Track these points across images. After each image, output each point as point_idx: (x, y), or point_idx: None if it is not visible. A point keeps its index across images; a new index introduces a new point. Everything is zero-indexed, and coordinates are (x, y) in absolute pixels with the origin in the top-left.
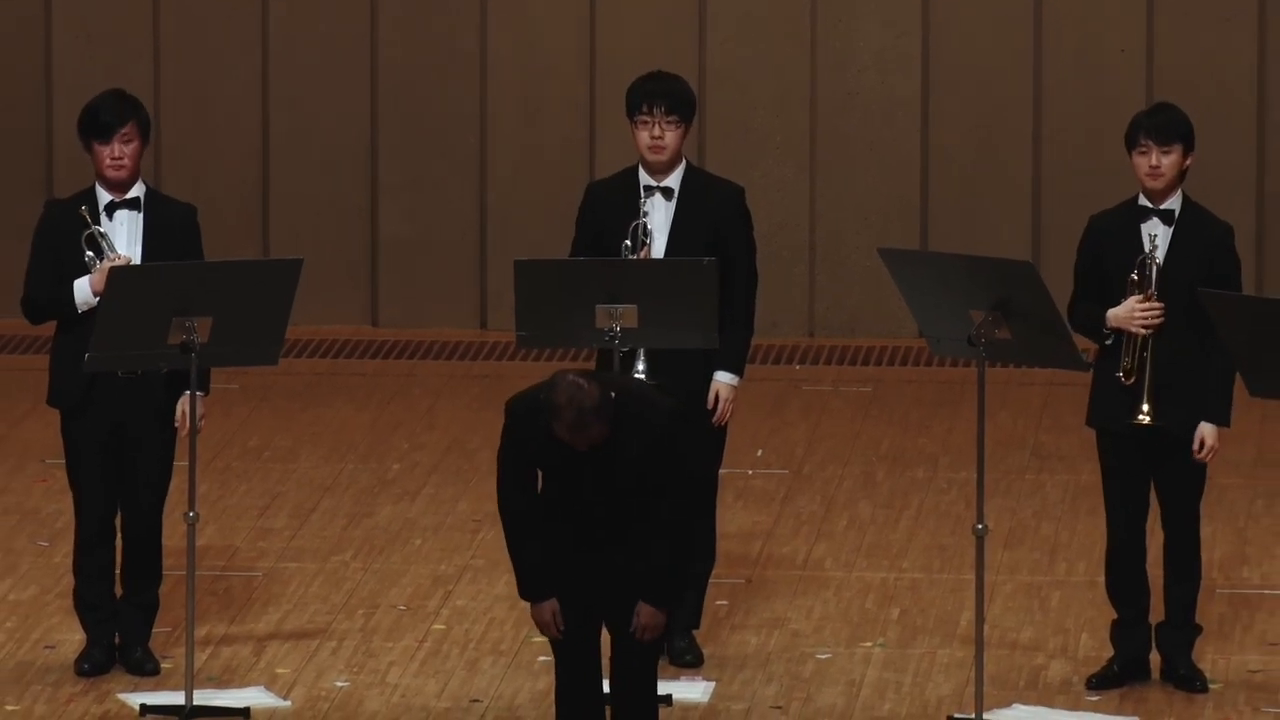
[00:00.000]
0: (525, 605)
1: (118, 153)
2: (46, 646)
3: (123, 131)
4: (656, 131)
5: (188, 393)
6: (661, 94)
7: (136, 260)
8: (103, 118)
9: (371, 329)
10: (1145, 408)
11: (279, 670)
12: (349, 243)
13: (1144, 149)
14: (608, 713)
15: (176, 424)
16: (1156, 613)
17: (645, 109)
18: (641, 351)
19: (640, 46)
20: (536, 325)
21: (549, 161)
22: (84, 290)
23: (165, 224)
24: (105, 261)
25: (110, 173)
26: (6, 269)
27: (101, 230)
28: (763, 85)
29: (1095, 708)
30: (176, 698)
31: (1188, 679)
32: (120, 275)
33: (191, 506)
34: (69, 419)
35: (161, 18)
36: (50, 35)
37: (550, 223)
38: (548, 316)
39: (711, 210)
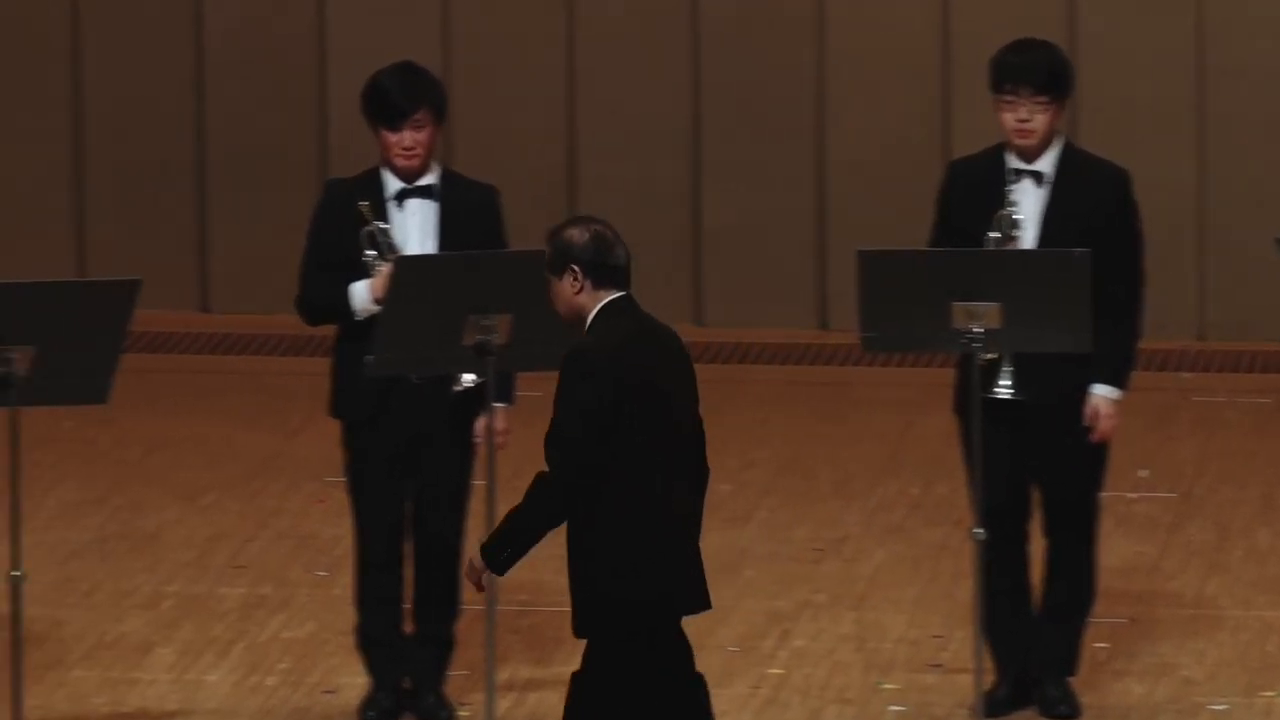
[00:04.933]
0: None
1: (409, 141)
2: (326, 691)
3: (415, 118)
4: (1023, 114)
5: (499, 406)
6: (1028, 69)
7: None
8: (393, 100)
9: (696, 328)
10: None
11: None
12: (669, 233)
13: None
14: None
15: (475, 438)
16: None
17: (1009, 88)
18: (1007, 356)
19: (1001, 4)
20: (884, 325)
21: (896, 140)
22: (363, 296)
23: (463, 211)
24: (388, 264)
25: (400, 162)
26: (279, 260)
27: (384, 226)
28: (1140, 55)
29: None
30: None
31: None
32: (407, 266)
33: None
34: (354, 431)
35: None
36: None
37: (899, 209)
38: (897, 315)
39: (1090, 197)
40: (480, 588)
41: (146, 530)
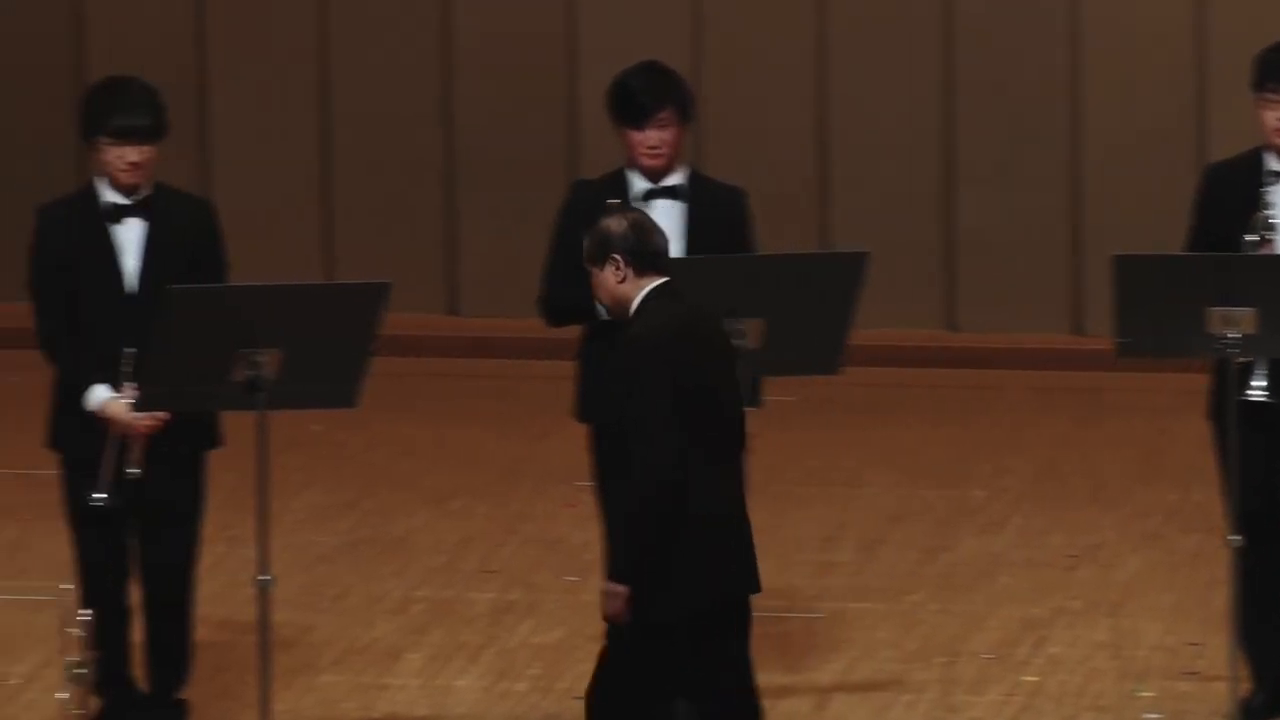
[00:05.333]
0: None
1: (654, 140)
2: (575, 697)
3: (659, 116)
4: None
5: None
6: None
7: (675, 255)
8: (638, 100)
9: (948, 334)
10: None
11: None
12: (920, 237)
13: None
14: None
15: None
16: None
17: (1272, 86)
18: (1263, 363)
19: (1259, 2)
20: (1139, 330)
21: (1151, 140)
22: None
23: (711, 212)
24: None
25: (645, 160)
26: (529, 262)
27: None
28: None
29: None
30: None
31: None
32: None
33: None
34: (599, 435)
35: None
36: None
37: (1153, 211)
38: (1152, 320)
39: None
40: (622, 619)
41: (395, 535)
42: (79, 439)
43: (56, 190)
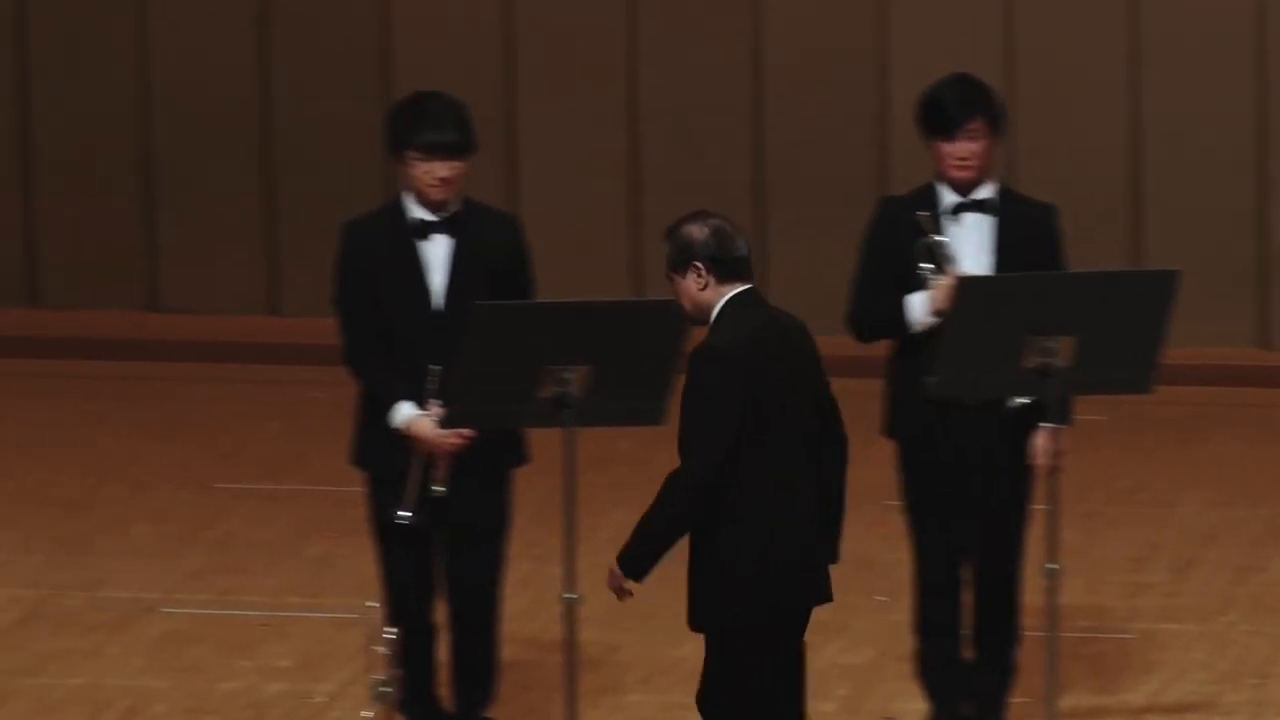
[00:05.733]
0: None
1: (964, 152)
2: (886, 718)
3: (970, 127)
4: None
5: (1044, 425)
6: None
7: (984, 271)
8: (946, 112)
9: (1261, 352)
10: None
11: None
12: (1234, 254)
13: None
14: None
15: (1033, 460)
16: None
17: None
18: None
19: None
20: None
21: None
22: (919, 308)
23: (1021, 227)
24: (946, 275)
25: (954, 172)
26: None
27: (942, 239)
28: None
29: None
30: None
31: None
32: (969, 288)
33: (1052, 558)
34: (909, 453)
35: None
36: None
37: None
38: None
39: None
40: (622, 595)
41: None
42: (385, 457)
43: (362, 206)
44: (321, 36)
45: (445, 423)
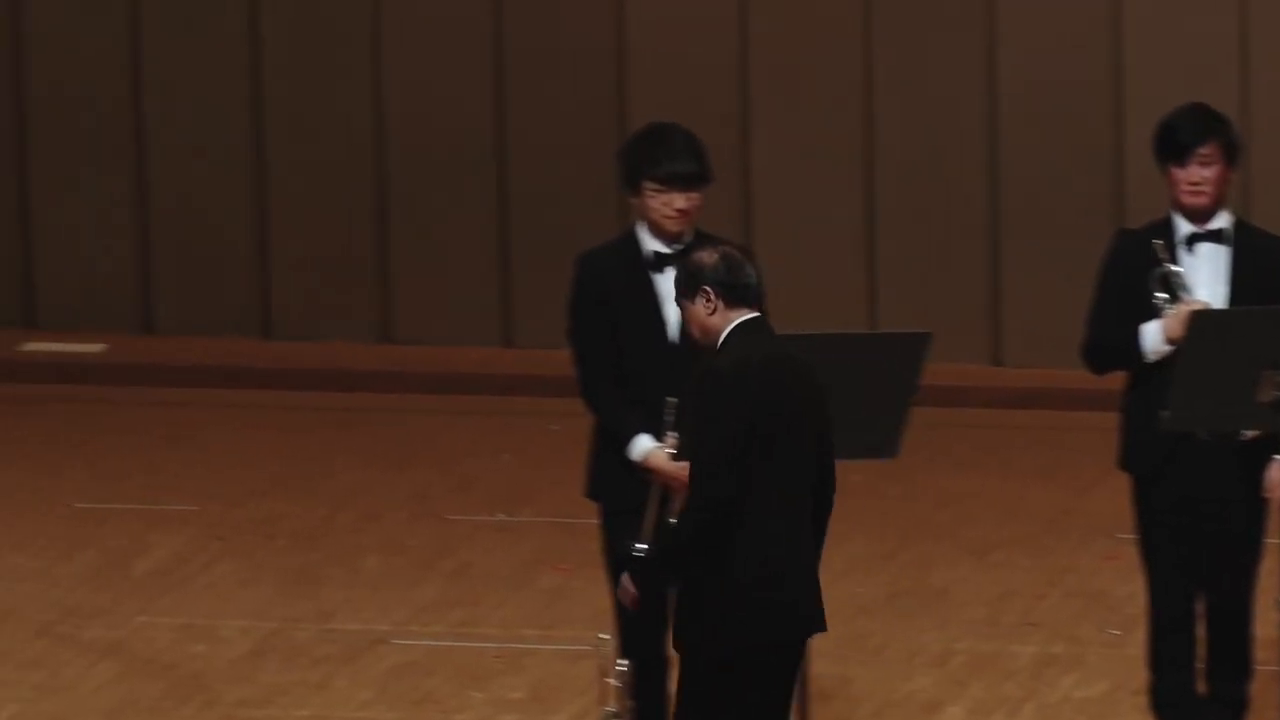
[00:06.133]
0: None
1: (1196, 177)
2: None
3: (1201, 153)
4: None
5: (1277, 458)
6: None
7: (1218, 302)
8: (1179, 137)
9: None
10: None
11: None
12: None
13: None
14: None
15: (1268, 493)
16: None
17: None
18: None
19: None
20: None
21: None
22: (1154, 337)
23: (1257, 260)
24: (1181, 305)
25: (1187, 198)
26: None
27: (1177, 268)
28: None
29: None
30: None
31: None
32: (1204, 321)
33: None
34: (1143, 486)
35: None
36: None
37: None
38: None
39: None
40: (636, 606)
41: (936, 586)
42: (619, 489)
43: (595, 239)
44: (557, 70)
45: (681, 455)
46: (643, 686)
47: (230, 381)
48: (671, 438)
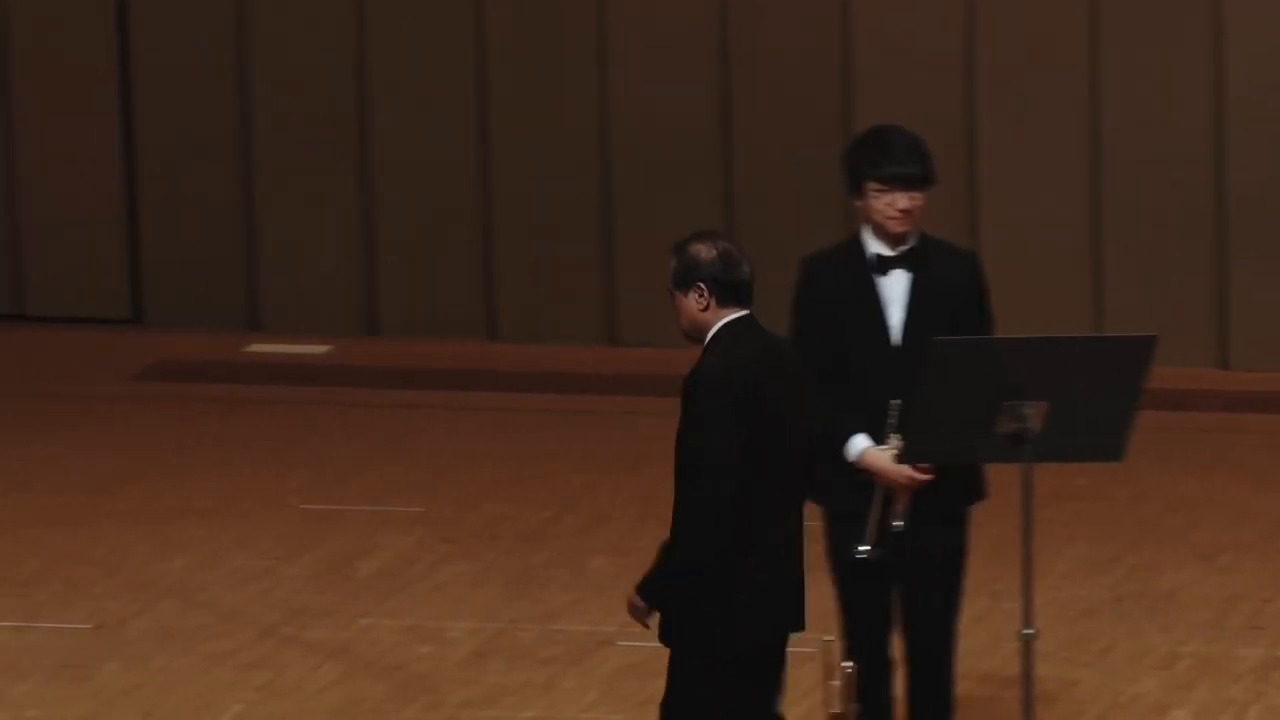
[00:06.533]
0: None
1: None
2: None
3: None
4: None
5: None
6: None
7: None
8: None
9: None
10: None
11: None
12: None
13: None
14: None
15: None
16: None
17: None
18: None
19: None
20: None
21: None
22: None
23: None
24: None
25: None
26: None
27: None
28: None
29: None
30: None
31: None
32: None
33: None
34: None
35: None
36: None
37: None
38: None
39: None
40: (647, 625)
41: (1162, 589)
42: (840, 491)
43: (820, 242)
44: (781, 72)
45: (905, 457)
46: (868, 688)
47: (455, 384)
48: (894, 440)
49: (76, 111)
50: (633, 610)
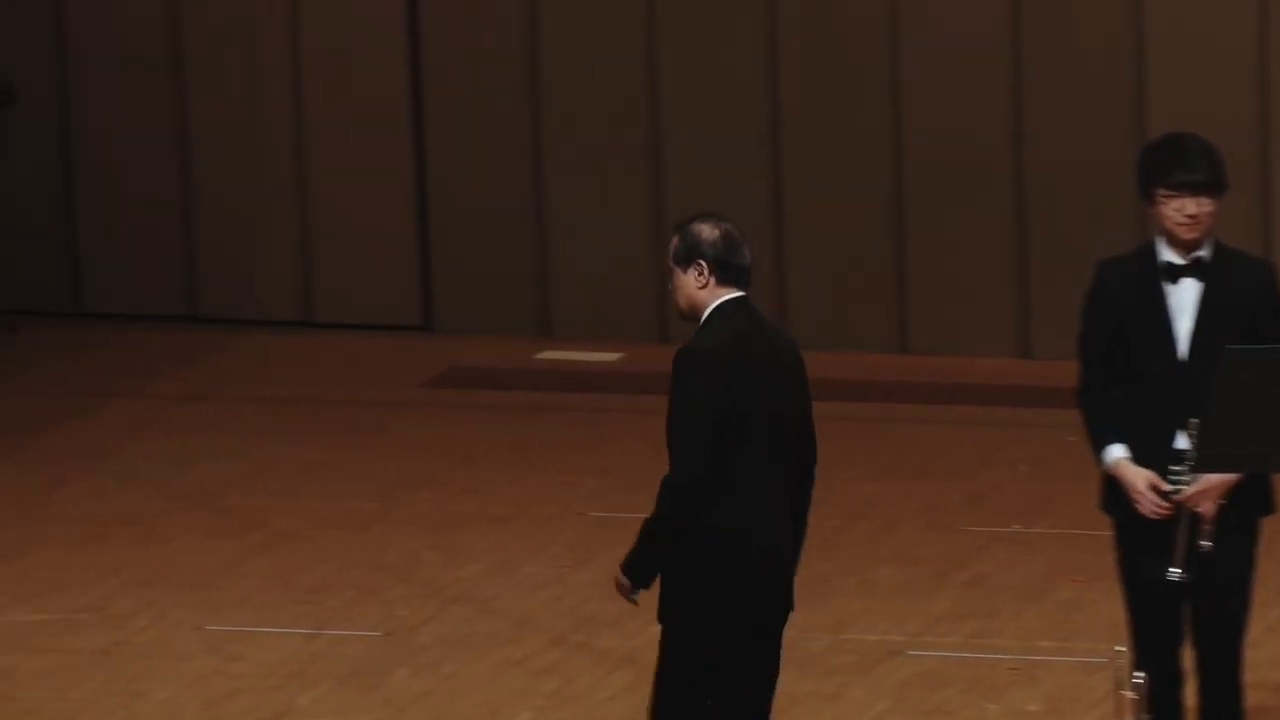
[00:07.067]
0: None
1: None
2: None
3: None
4: None
5: None
6: None
7: None
8: None
9: None
10: None
11: None
12: None
13: None
14: None
15: None
16: None
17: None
18: None
19: None
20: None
21: None
22: None
23: None
24: None
25: None
26: None
27: None
28: None
29: None
30: None
31: None
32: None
33: None
34: None
35: None
36: None
37: None
38: None
39: None
40: (634, 602)
41: None
42: (1131, 505)
43: (1114, 249)
44: (1074, 79)
45: (1197, 467)
46: (1160, 699)
47: None
48: (1189, 459)
49: (369, 125)
50: (619, 587)
